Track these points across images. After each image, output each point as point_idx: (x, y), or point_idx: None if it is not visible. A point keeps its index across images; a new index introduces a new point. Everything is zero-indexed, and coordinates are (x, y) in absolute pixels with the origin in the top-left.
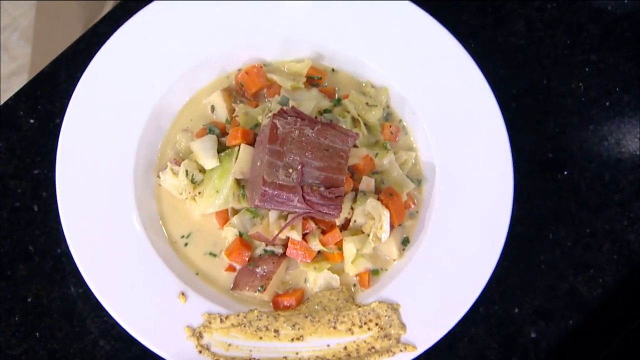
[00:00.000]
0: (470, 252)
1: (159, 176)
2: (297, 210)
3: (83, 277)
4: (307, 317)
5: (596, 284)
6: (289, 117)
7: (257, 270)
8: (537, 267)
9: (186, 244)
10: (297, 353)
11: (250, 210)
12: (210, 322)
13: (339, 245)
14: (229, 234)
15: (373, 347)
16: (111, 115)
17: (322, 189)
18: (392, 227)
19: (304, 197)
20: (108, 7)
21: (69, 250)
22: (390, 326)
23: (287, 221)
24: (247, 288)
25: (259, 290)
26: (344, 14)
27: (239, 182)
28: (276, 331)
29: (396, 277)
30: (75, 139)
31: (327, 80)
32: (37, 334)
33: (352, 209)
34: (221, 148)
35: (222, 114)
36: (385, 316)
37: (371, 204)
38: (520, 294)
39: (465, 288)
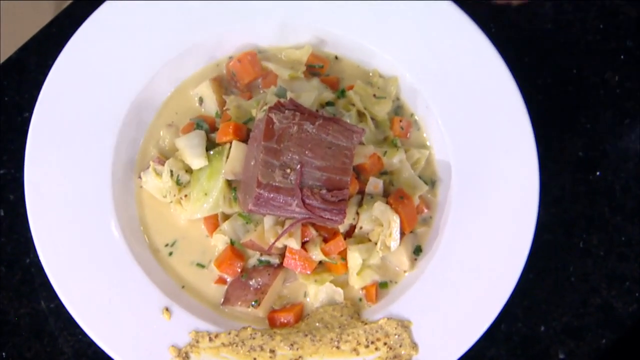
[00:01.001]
0: (491, 263)
1: (140, 177)
2: (295, 215)
3: (55, 290)
4: (306, 335)
5: (632, 298)
6: (286, 111)
7: (251, 282)
8: (566, 280)
9: (171, 254)
10: None
11: (242, 215)
12: (197, 341)
13: (343, 255)
14: (219, 242)
15: None
16: (86, 109)
17: (323, 191)
18: (402, 234)
19: (303, 201)
20: None
21: (39, 260)
22: (400, 346)
23: (285, 228)
24: (239, 303)
25: (252, 306)
26: None
27: (230, 184)
28: (272, 351)
29: (407, 290)
30: (46, 134)
31: (330, 69)
32: (4, 354)
33: (357, 214)
34: (210, 145)
35: (211, 107)
36: (395, 335)
37: (379, 208)
38: (546, 310)
39: (484, 303)
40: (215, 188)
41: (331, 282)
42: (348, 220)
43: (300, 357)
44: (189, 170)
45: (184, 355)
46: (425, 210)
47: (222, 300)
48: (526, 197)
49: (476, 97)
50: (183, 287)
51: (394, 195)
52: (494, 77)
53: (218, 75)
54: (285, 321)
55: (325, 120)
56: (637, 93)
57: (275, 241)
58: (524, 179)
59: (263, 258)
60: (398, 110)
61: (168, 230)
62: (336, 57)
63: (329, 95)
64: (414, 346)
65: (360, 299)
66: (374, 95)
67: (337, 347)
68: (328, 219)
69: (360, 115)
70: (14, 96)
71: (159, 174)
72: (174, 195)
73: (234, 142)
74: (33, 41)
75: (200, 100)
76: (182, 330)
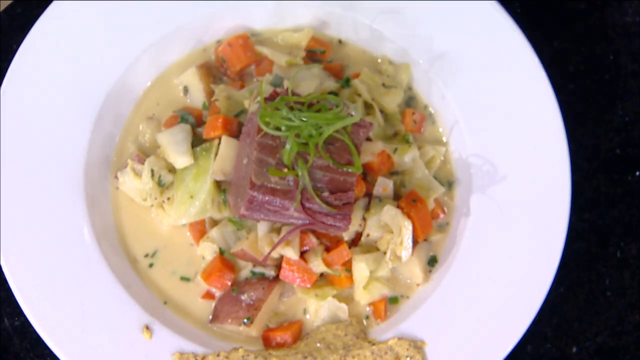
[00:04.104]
0: (515, 275)
1: (116, 177)
2: (293, 221)
3: (20, 305)
4: (306, 357)
5: None
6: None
7: (243, 297)
8: (601, 294)
9: (151, 265)
10: None
11: (233, 221)
12: None
13: (348, 266)
14: (207, 251)
15: None
16: (56, 100)
17: (326, 194)
18: (415, 242)
19: (302, 205)
20: None
21: (1, 271)
22: None
23: (281, 235)
24: (229, 320)
25: (244, 324)
26: None
27: (219, 185)
28: None
29: (420, 306)
30: (10, 128)
31: (333, 54)
32: None
33: (364, 219)
34: (197, 141)
35: (197, 98)
36: (407, 356)
37: (389, 213)
38: (579, 329)
39: (508, 321)
40: (202, 190)
41: (334, 297)
42: (353, 227)
43: None
44: (172, 170)
45: None
46: (441, 215)
47: (210, 317)
48: (556, 200)
49: (499, 86)
50: (165, 302)
51: (405, 198)
52: (519, 63)
53: (205, 61)
54: (282, 341)
55: None
56: None
57: (271, 251)
58: (553, 179)
59: (256, 270)
60: (410, 101)
61: (148, 238)
62: (340, 41)
63: (331, 84)
64: None
65: (367, 316)
66: (383, 85)
67: None
68: (331, 225)
69: (368, 107)
70: None
71: (138, 174)
72: (155, 198)
73: (224, 138)
74: None
75: (185, 90)
76: (165, 352)
